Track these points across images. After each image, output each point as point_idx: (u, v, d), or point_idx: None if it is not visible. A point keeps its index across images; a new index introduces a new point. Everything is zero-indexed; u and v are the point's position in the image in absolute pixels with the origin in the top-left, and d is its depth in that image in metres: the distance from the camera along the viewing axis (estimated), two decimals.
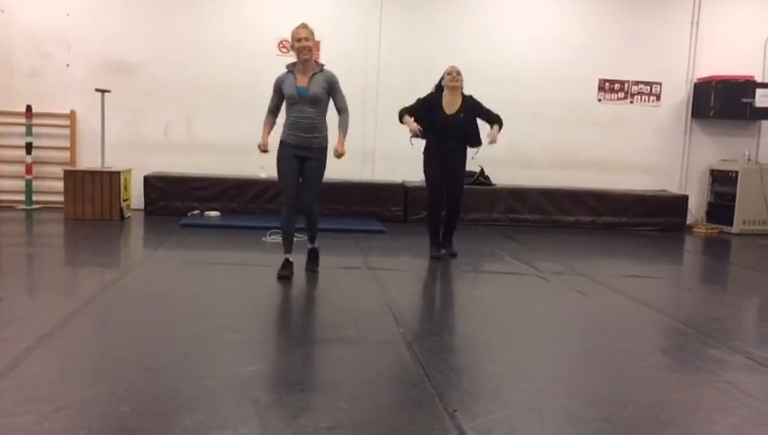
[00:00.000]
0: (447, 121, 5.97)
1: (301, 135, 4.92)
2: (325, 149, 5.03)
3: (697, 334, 3.99)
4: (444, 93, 6.03)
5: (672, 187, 9.43)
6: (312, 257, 5.28)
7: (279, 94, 5.01)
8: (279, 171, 5.01)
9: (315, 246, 5.27)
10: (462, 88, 6.03)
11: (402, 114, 6.04)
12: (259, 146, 5.01)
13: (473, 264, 6.40)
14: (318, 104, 4.91)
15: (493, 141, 5.96)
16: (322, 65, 5.03)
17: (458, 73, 5.99)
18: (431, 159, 6.10)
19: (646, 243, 7.90)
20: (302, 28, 4.90)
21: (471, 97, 6.09)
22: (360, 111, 8.30)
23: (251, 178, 8.34)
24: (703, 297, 5.48)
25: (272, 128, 5.09)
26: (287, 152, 4.96)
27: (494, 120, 6.07)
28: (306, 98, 4.88)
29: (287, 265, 5.02)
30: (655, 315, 4.53)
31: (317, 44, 4.76)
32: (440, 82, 6.10)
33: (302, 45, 4.84)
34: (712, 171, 9.36)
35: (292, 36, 4.93)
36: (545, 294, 5.07)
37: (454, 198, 6.20)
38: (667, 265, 7.06)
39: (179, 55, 8.59)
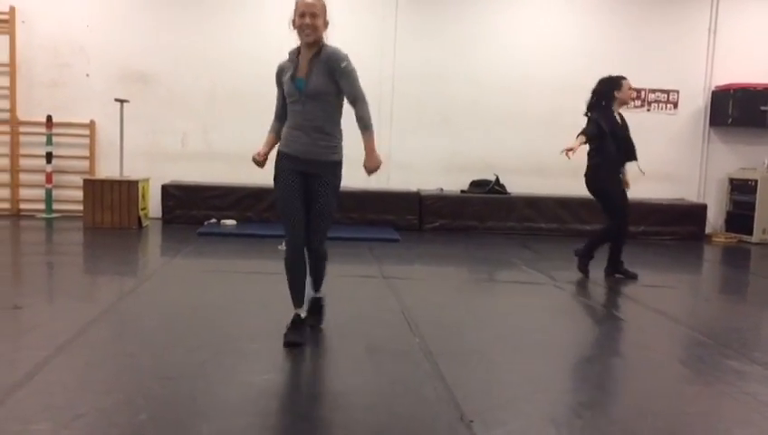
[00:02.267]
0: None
1: (302, 143, 3.55)
2: (338, 164, 3.62)
3: (716, 345, 3.95)
4: None
5: (690, 195, 9.35)
6: (315, 310, 3.90)
7: (280, 88, 3.71)
8: (276, 193, 3.66)
9: (320, 295, 3.92)
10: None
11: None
12: (253, 157, 3.64)
13: (488, 273, 6.38)
14: (323, 100, 3.53)
15: None
16: (322, 45, 3.56)
17: None
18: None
19: (663, 252, 7.84)
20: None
21: None
22: (376, 119, 8.30)
23: (266, 187, 8.37)
24: (721, 307, 5.42)
25: (276, 137, 3.74)
26: (285, 166, 3.59)
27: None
28: (306, 92, 3.51)
29: (298, 325, 3.66)
30: (673, 326, 4.49)
31: (326, 24, 3.55)
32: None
33: (306, 23, 3.46)
34: (731, 180, 9.27)
35: (296, 8, 3.54)
36: (561, 304, 5.04)
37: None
38: (685, 274, 7.00)
39: (196, 65, 8.68)
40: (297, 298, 3.68)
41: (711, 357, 3.74)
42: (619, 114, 6.03)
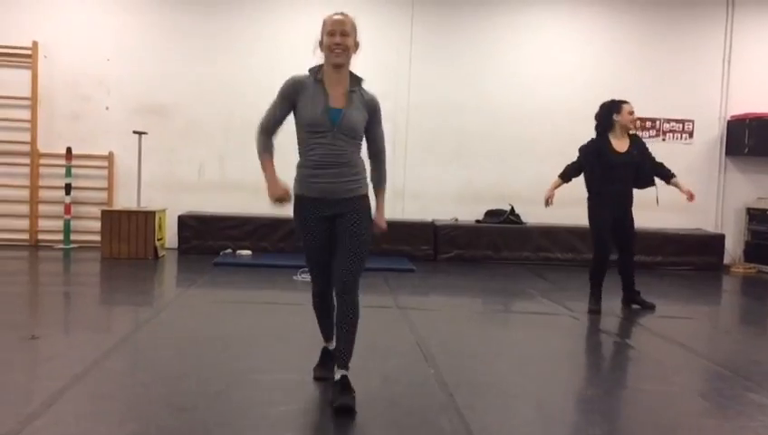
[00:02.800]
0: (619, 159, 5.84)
1: (328, 182, 3.13)
2: (367, 198, 3.25)
3: (737, 378, 3.88)
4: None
5: (707, 225, 9.27)
6: (345, 390, 3.10)
7: (289, 106, 3.21)
8: (300, 241, 3.30)
9: (346, 372, 3.18)
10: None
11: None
12: (276, 198, 3.18)
13: (504, 303, 6.34)
14: (354, 137, 3.18)
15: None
16: (361, 80, 3.28)
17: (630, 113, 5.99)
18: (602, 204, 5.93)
19: (681, 283, 7.75)
20: (339, 17, 3.20)
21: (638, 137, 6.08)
22: (391, 149, 8.35)
23: (282, 217, 8.43)
24: (742, 339, 5.33)
25: (272, 157, 3.27)
26: (309, 213, 3.19)
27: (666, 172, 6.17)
28: (341, 126, 3.11)
29: (326, 360, 3.50)
30: (692, 358, 4.42)
31: (356, 45, 3.26)
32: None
33: (336, 42, 3.12)
34: (748, 210, 9.19)
35: (324, 27, 3.20)
36: (578, 335, 4.98)
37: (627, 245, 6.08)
38: (703, 305, 6.91)
39: (213, 96, 8.80)
40: (325, 333, 3.51)
41: (732, 390, 3.67)
42: (632, 140, 5.94)
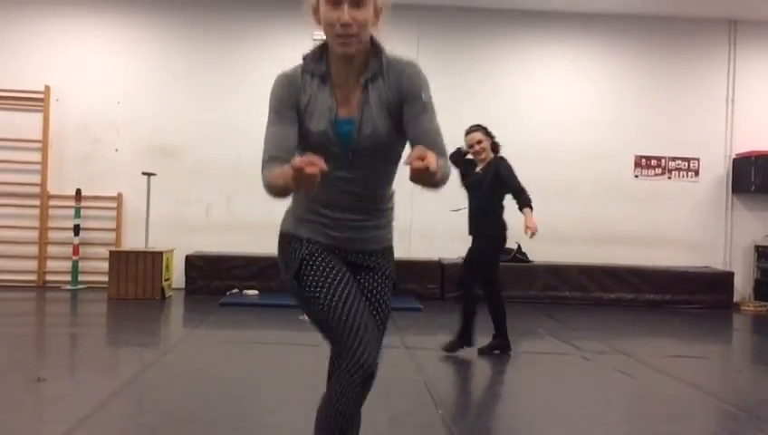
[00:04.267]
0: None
1: (346, 230, 2.10)
2: (392, 249, 2.26)
3: (750, 418, 3.81)
4: None
5: (716, 263, 9.22)
6: None
7: (292, 119, 2.04)
8: (313, 293, 2.07)
9: None
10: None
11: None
12: (300, 170, 1.69)
13: (512, 343, 6.28)
14: (383, 157, 2.08)
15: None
16: (382, 50, 2.04)
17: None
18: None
19: (691, 321, 7.68)
20: None
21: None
22: (397, 185, 8.42)
23: None
24: (754, 379, 5.26)
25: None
26: (316, 250, 2.10)
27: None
28: (358, 145, 2.01)
29: None
30: (704, 398, 4.36)
31: (378, 12, 2.00)
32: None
33: (344, 24, 1.90)
34: (757, 247, 9.15)
35: None
36: (588, 376, 4.93)
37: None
38: (714, 344, 6.83)
39: (220, 137, 8.90)
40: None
41: (745, 431, 3.61)
42: (491, 162, 5.54)
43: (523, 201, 5.37)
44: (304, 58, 2.08)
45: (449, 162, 2.10)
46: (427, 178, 1.72)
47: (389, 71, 2.03)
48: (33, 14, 8.80)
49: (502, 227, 5.50)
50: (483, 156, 5.51)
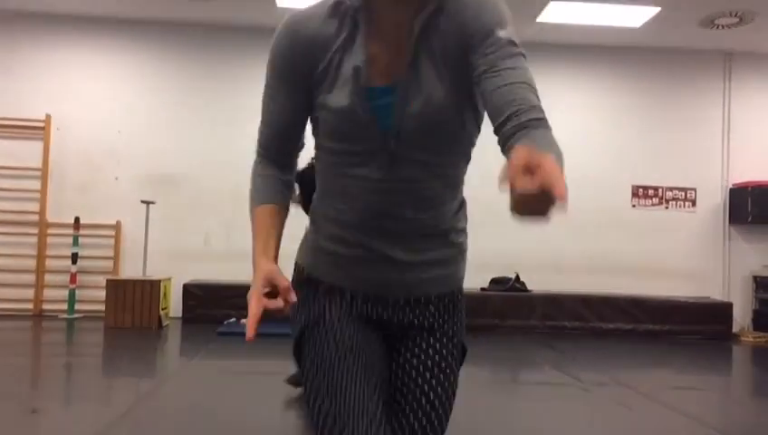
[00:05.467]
0: None
1: (384, 267, 1.36)
2: (462, 297, 1.48)
3: None
4: None
5: (715, 293, 9.20)
6: None
7: (301, 88, 1.34)
8: (314, 364, 1.35)
9: None
10: None
11: None
12: (258, 306, 1.26)
13: (511, 373, 6.25)
14: (441, 144, 1.33)
15: None
16: None
17: None
18: None
19: (691, 352, 7.64)
20: None
21: None
22: None
23: None
24: (756, 411, 5.22)
25: (279, 213, 1.43)
26: (336, 312, 1.38)
27: None
28: (399, 129, 1.28)
29: None
30: (706, 431, 4.32)
31: None
32: None
33: None
34: (755, 278, 9.14)
35: None
36: (588, 407, 4.89)
37: None
38: (714, 375, 6.79)
39: (220, 166, 8.94)
40: None
41: None
42: None
43: None
44: (326, 3, 1.32)
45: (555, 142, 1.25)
46: (544, 208, 0.91)
47: (455, 11, 1.27)
48: (36, 43, 8.89)
49: None
50: None
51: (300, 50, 1.33)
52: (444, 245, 1.41)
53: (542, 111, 1.26)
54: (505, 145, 1.22)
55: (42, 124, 8.70)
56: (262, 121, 1.49)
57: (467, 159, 1.44)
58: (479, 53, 1.24)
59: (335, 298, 1.41)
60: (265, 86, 1.42)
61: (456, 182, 1.42)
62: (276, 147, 1.48)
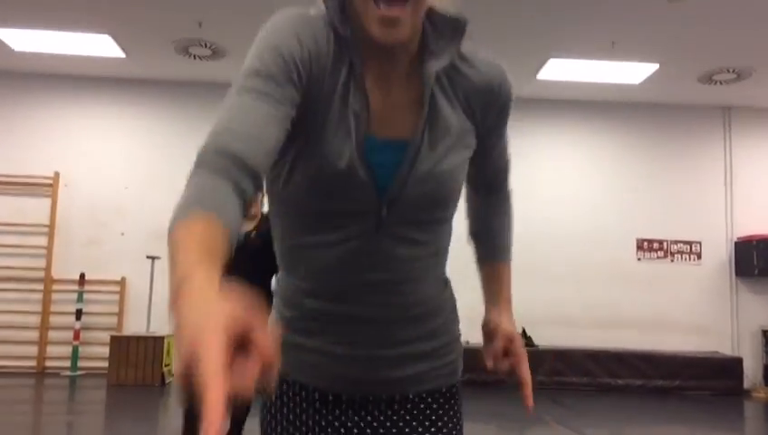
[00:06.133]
0: None
1: (366, 357, 1.13)
2: (459, 391, 1.28)
3: None
4: None
5: (724, 348, 9.09)
6: None
7: (289, 100, 0.98)
8: None
9: None
10: None
11: None
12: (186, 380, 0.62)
13: (519, 431, 6.13)
14: (434, 215, 1.14)
15: None
16: (463, 25, 1.10)
17: None
18: None
19: (702, 408, 7.50)
20: None
21: None
22: None
23: None
24: None
25: (226, 224, 0.88)
26: (304, 410, 1.15)
27: None
28: (399, 193, 1.08)
29: None
30: None
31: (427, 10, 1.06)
32: None
33: (389, 13, 0.98)
34: (764, 332, 9.04)
35: None
36: None
37: None
38: (727, 432, 6.64)
39: None
40: None
41: None
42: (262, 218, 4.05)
43: None
44: (333, 6, 1.05)
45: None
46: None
47: (468, 68, 1.14)
48: (45, 102, 9.09)
49: None
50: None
51: (314, 46, 1.03)
52: (434, 334, 1.20)
53: (505, 183, 1.48)
54: (473, 189, 1.34)
55: (50, 181, 8.81)
56: (225, 118, 0.96)
57: (450, 232, 1.27)
58: (493, 138, 1.25)
59: (302, 398, 1.15)
60: (247, 75, 0.99)
61: (440, 262, 1.24)
62: (240, 150, 0.93)
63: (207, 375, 0.57)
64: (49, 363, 8.55)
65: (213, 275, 0.75)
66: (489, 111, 1.17)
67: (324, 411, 1.14)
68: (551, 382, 8.38)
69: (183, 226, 0.89)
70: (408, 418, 1.17)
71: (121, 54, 8.18)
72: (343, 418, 1.14)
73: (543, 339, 8.73)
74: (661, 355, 8.64)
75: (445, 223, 1.19)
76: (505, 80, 1.18)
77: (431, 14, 1.09)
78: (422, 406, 1.18)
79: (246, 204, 0.93)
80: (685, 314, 9.22)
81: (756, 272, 8.95)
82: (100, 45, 7.90)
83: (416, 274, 1.15)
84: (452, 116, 1.12)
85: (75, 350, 8.37)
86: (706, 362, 8.62)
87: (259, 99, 0.96)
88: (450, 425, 1.21)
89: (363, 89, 1.05)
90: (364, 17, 1.01)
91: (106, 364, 7.80)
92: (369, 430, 1.14)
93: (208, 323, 0.61)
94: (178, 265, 0.78)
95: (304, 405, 1.14)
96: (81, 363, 8.39)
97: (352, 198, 1.06)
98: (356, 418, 1.14)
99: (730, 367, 8.62)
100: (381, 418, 1.15)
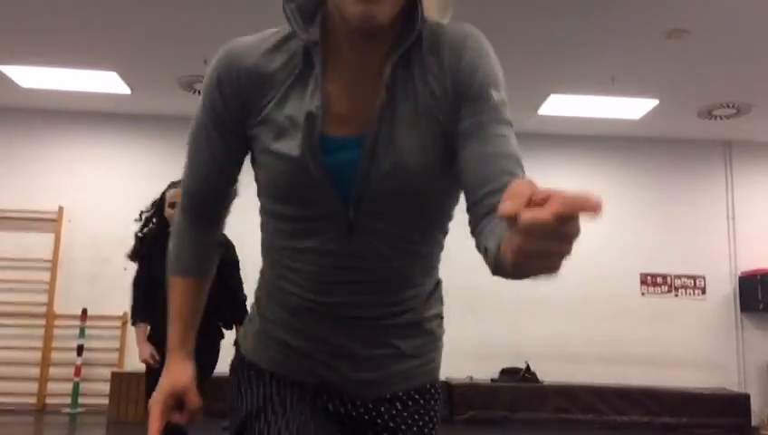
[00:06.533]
0: None
1: (341, 370, 1.16)
2: (438, 391, 1.32)
3: None
4: None
5: (730, 384, 8.99)
6: None
7: (233, 135, 1.17)
8: None
9: None
10: None
11: None
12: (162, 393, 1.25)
13: None
14: (410, 214, 1.12)
15: None
16: (421, 15, 1.04)
17: None
18: None
19: None
20: None
21: None
22: None
23: None
24: None
25: (204, 300, 1.34)
26: (288, 397, 1.17)
27: None
28: (363, 192, 1.07)
29: None
30: None
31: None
32: None
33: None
34: None
35: None
36: None
37: None
38: None
39: None
40: None
41: None
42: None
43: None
44: (291, 11, 1.06)
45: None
46: (557, 250, 0.81)
47: (437, 50, 1.07)
48: (49, 138, 9.17)
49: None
50: None
51: (235, 85, 1.10)
52: (412, 335, 1.21)
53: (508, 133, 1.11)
54: (476, 226, 1.07)
55: (54, 217, 8.84)
56: (187, 167, 1.23)
57: (444, 233, 1.24)
58: (469, 111, 1.05)
59: (283, 383, 1.19)
60: (194, 124, 1.18)
61: (429, 262, 1.22)
62: (203, 197, 1.27)
63: (150, 417, 1.23)
64: (49, 401, 8.46)
65: (187, 353, 1.33)
66: (461, 81, 1.06)
67: (302, 392, 1.19)
68: (555, 420, 8.27)
69: (177, 285, 1.29)
70: (387, 411, 1.20)
71: (127, 91, 8.28)
72: (319, 400, 1.20)
73: (548, 375, 8.65)
74: (667, 392, 8.54)
75: (430, 219, 1.17)
76: (471, 42, 1.06)
77: (412, 9, 1.04)
78: (397, 404, 1.21)
79: (218, 233, 1.39)
80: (690, 349, 9.14)
81: (761, 307, 8.90)
82: (106, 82, 8.00)
83: (402, 272, 1.16)
84: (419, 105, 1.06)
85: (76, 386, 8.29)
86: (713, 398, 8.51)
87: (202, 142, 1.21)
88: (424, 419, 1.22)
89: (323, 89, 1.06)
90: (341, 1, 0.98)
91: (107, 401, 7.72)
92: (343, 413, 1.20)
93: (161, 395, 1.29)
94: (170, 336, 1.31)
95: (286, 384, 1.20)
96: (81, 400, 8.31)
97: (314, 200, 1.09)
98: (332, 403, 1.19)
99: (737, 403, 8.51)
100: (362, 410, 1.19)
